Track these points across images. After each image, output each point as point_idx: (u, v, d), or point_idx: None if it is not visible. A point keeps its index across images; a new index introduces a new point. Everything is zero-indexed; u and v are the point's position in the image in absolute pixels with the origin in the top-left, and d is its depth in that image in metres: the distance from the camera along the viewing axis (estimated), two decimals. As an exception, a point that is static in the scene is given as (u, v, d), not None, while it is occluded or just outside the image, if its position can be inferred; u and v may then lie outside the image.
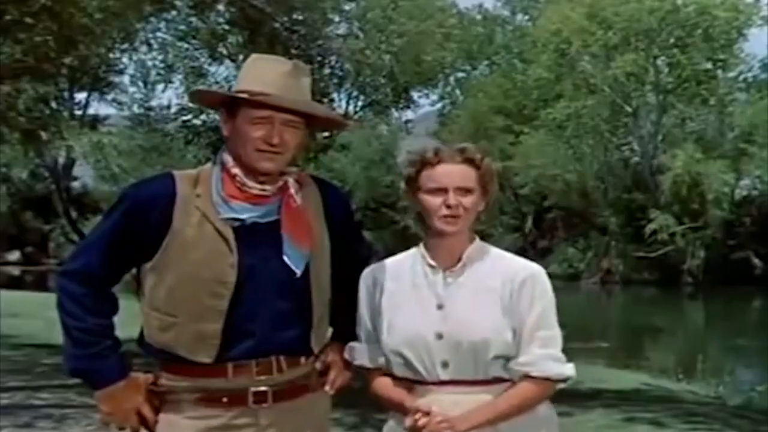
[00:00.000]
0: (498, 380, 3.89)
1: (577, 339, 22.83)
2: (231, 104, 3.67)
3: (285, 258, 3.68)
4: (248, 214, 3.65)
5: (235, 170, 3.64)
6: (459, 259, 3.98)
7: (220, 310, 3.58)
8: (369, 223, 64.75)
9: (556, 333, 3.99)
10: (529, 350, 3.89)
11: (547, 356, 3.92)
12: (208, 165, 3.73)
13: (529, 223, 61.94)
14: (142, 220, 3.53)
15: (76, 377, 3.70)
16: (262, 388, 3.66)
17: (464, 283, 3.96)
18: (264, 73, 3.68)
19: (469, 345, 3.84)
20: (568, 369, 3.98)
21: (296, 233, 3.73)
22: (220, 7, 22.05)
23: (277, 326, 3.69)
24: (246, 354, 3.64)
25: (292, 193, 3.74)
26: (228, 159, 3.67)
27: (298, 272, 3.71)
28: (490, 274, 3.98)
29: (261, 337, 3.66)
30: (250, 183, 3.65)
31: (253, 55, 3.85)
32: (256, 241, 3.64)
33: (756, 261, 54.88)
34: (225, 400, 3.61)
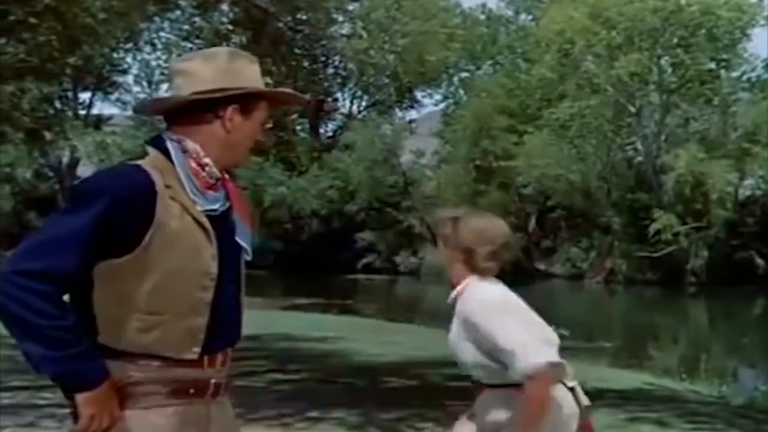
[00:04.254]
0: (507, 385, 4.62)
1: (580, 339, 22.89)
2: (248, 102, 3.66)
3: (239, 240, 3.70)
4: (219, 203, 3.64)
5: (207, 160, 3.60)
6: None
7: (206, 303, 3.53)
8: (372, 223, 64.81)
9: (517, 337, 4.53)
10: (510, 366, 4.53)
11: (519, 362, 4.47)
12: (155, 154, 3.59)
13: (533, 223, 61.96)
14: (126, 215, 3.38)
15: (57, 381, 3.44)
16: (217, 381, 3.64)
17: (455, 315, 4.89)
18: (257, 74, 3.74)
19: (460, 364, 4.86)
20: (541, 357, 4.47)
21: (243, 213, 3.77)
22: (224, 7, 22.07)
23: (238, 316, 3.71)
24: (219, 345, 3.62)
25: (227, 177, 3.76)
26: (198, 149, 3.61)
27: (249, 256, 3.74)
28: (460, 311, 4.84)
29: (232, 327, 3.68)
30: (216, 172, 3.64)
31: (234, 51, 3.80)
32: (222, 229, 3.62)
33: (759, 261, 54.93)
34: (192, 391, 3.55)
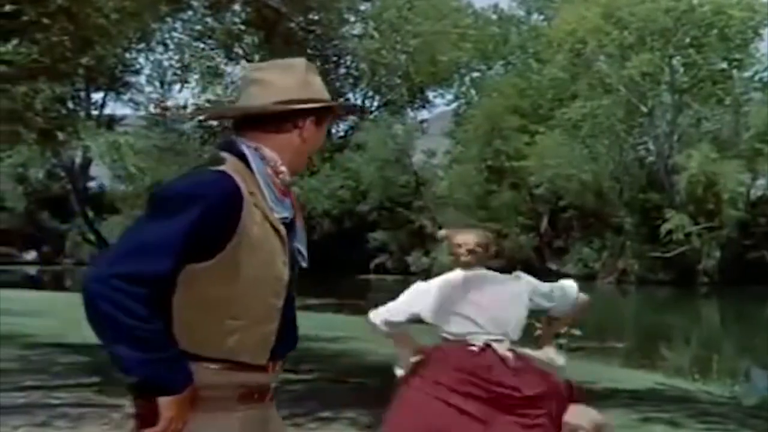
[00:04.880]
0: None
1: (592, 339, 22.81)
2: (322, 113, 3.80)
3: (300, 248, 3.77)
4: (289, 210, 3.71)
5: (282, 167, 3.70)
6: None
7: (278, 309, 3.63)
8: (384, 223, 64.82)
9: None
10: None
11: None
12: (234, 160, 3.64)
13: (545, 223, 61.93)
14: (216, 221, 3.44)
15: (144, 384, 3.40)
16: (274, 384, 3.71)
17: None
18: (323, 86, 3.85)
19: None
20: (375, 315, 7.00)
21: (301, 223, 3.84)
22: (236, 7, 22.10)
23: (296, 321, 3.80)
24: (283, 351, 3.70)
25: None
26: (275, 157, 3.69)
27: (306, 263, 3.80)
28: None
29: (293, 333, 3.78)
30: (288, 179, 3.73)
31: (308, 63, 3.89)
32: (290, 236, 3.71)
33: (771, 261, 54.84)
34: (255, 396, 3.62)
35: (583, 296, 6.94)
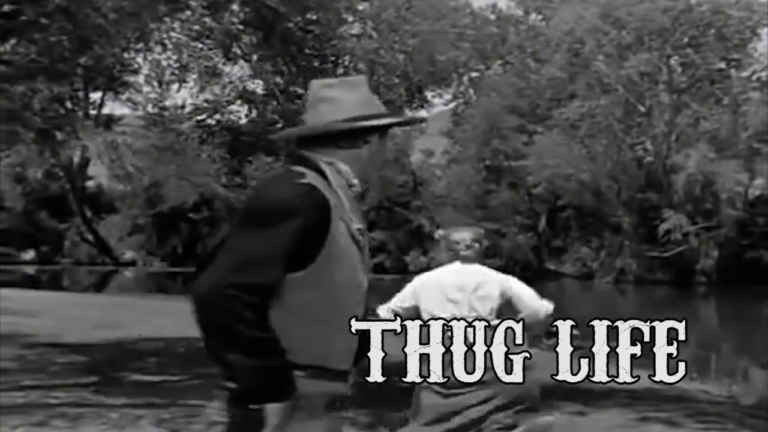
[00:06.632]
0: None
1: (590, 338, 22.81)
2: (386, 128, 3.95)
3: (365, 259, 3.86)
4: (364, 221, 3.84)
5: (355, 180, 3.83)
6: None
7: (359, 317, 3.73)
8: (382, 222, 64.77)
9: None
10: None
11: None
12: (313, 174, 3.72)
13: (543, 223, 61.92)
14: (310, 233, 3.53)
15: (258, 392, 3.47)
16: (350, 393, 3.78)
17: None
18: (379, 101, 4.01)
19: None
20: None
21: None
22: (234, 7, 22.11)
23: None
24: (360, 358, 3.81)
25: None
26: (348, 170, 3.81)
27: (370, 275, 3.90)
28: None
29: (368, 340, 3.84)
30: (359, 191, 3.89)
31: (366, 78, 4.06)
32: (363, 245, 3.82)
33: (769, 260, 54.84)
34: (338, 404, 3.70)
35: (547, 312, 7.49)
